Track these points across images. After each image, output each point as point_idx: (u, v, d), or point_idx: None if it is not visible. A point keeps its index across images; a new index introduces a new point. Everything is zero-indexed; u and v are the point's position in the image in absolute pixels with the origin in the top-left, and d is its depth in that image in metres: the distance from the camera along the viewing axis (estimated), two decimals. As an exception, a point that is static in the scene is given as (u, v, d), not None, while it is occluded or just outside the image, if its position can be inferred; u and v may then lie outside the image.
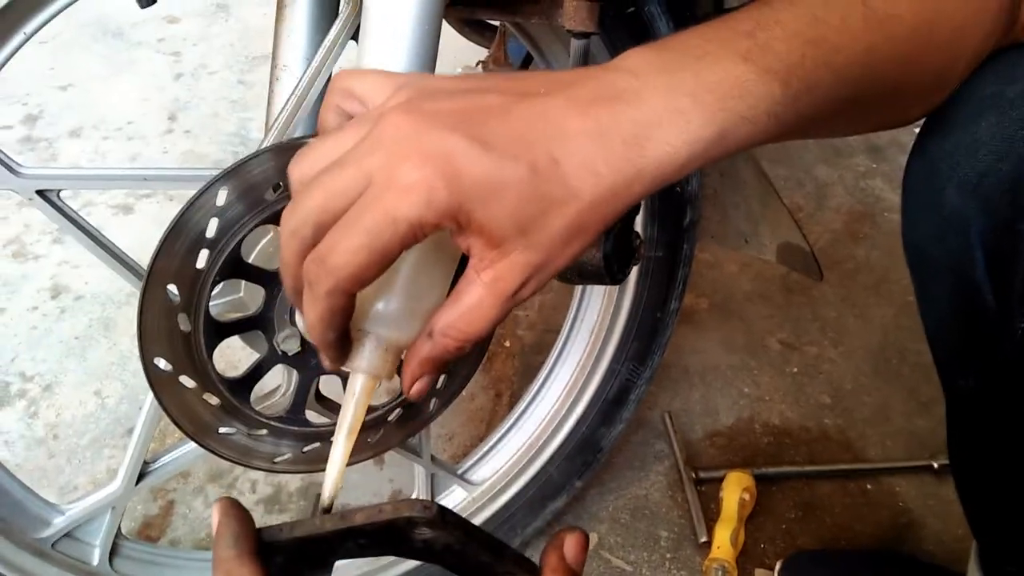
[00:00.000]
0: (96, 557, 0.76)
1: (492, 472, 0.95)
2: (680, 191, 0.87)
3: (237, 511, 0.40)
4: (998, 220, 0.51)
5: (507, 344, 1.34)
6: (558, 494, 1.00)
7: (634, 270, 0.91)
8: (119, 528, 0.78)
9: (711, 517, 1.08)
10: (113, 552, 0.78)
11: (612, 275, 0.74)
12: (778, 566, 1.00)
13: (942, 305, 0.60)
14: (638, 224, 0.89)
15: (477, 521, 0.95)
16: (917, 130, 0.58)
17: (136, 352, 1.18)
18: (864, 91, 0.47)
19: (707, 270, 1.48)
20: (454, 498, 0.94)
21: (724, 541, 1.02)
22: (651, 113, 0.41)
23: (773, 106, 0.43)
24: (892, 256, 1.53)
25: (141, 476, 0.77)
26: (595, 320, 0.95)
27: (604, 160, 0.41)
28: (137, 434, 0.75)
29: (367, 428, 0.79)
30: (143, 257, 0.71)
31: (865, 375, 1.32)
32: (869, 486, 1.14)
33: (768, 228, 0.94)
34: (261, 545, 0.38)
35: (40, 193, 0.64)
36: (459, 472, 0.95)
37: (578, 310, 0.96)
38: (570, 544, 0.42)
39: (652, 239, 0.90)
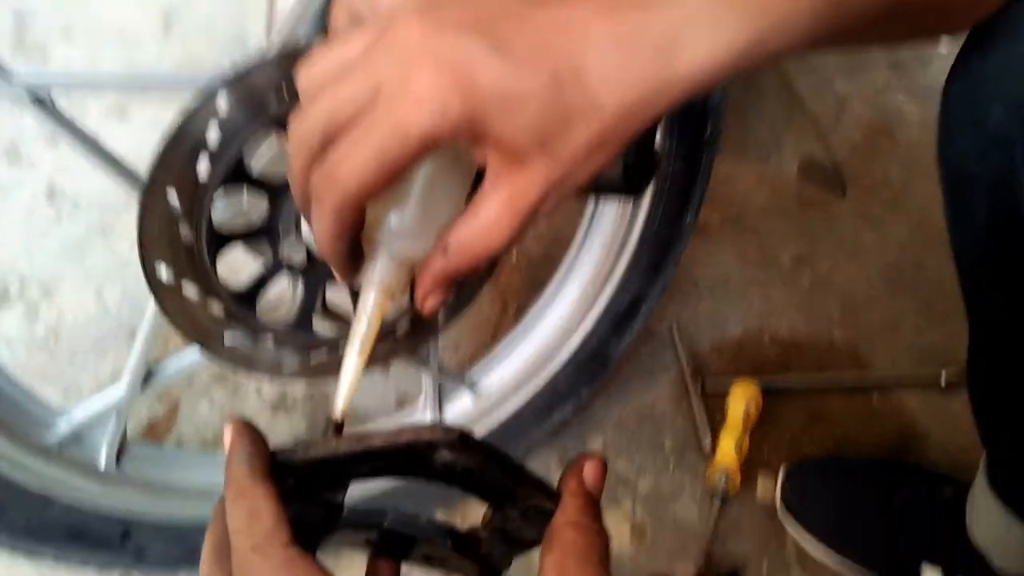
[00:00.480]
0: (103, 459, 0.76)
1: (499, 381, 0.95)
2: (702, 101, 0.83)
3: (250, 432, 0.38)
4: None
5: (514, 256, 1.32)
6: (565, 403, 1.00)
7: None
8: (125, 430, 0.77)
9: (716, 426, 1.08)
10: (120, 454, 0.77)
11: (631, 189, 0.71)
12: (782, 473, 1.01)
13: (977, 224, 0.58)
14: (657, 135, 0.85)
15: (483, 428, 0.95)
16: (942, 48, 0.54)
17: (136, 257, 1.16)
18: None
19: (722, 184, 1.44)
20: (461, 406, 0.94)
21: (728, 449, 1.02)
22: (683, 18, 0.37)
23: (813, 11, 0.39)
24: (911, 171, 1.49)
25: (145, 380, 0.76)
26: (608, 232, 0.92)
27: (631, 69, 0.38)
28: (140, 339, 0.74)
29: (375, 340, 0.77)
30: (140, 163, 0.68)
31: (878, 289, 1.30)
32: (876, 398, 1.14)
33: (791, 141, 0.90)
34: (274, 466, 0.37)
35: (33, 97, 0.60)
36: (466, 380, 0.94)
37: (591, 222, 0.93)
38: (589, 469, 0.41)
39: (671, 151, 0.86)
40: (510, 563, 0.45)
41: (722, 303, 1.26)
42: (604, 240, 0.93)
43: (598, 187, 0.73)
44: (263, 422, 1.09)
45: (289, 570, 0.33)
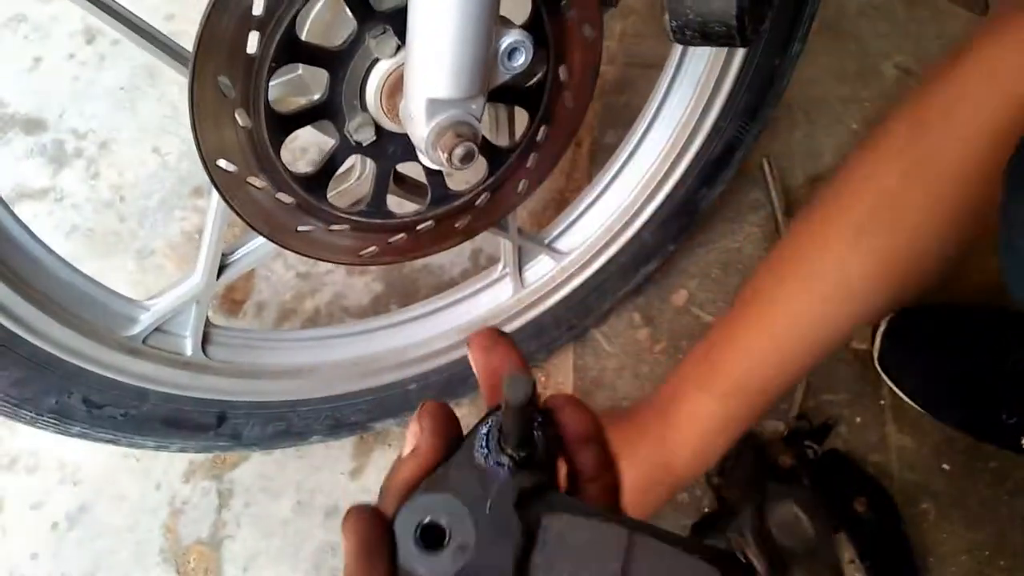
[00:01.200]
0: (189, 347, 0.75)
1: (581, 241, 0.89)
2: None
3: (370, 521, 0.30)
4: None
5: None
6: (651, 258, 0.95)
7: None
8: (207, 318, 0.75)
9: (810, 271, 1.02)
10: (205, 340, 0.76)
11: (744, 36, 0.61)
12: (882, 325, 0.95)
13: None
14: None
15: (566, 290, 0.91)
16: None
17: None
18: None
19: (816, -21, 1.27)
20: (541, 268, 0.90)
21: (824, 299, 0.97)
22: None
23: None
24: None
25: (220, 270, 0.73)
26: (701, 71, 0.81)
27: None
28: (209, 226, 0.70)
29: (454, 214, 0.72)
30: (173, 32, 0.61)
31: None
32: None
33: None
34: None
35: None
36: (546, 242, 0.89)
37: (681, 59, 0.82)
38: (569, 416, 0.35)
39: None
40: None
41: (817, 128, 1.15)
42: (696, 79, 0.82)
43: (704, 34, 0.62)
44: (338, 278, 1.06)
45: None
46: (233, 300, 1.04)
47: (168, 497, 0.94)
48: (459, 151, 0.57)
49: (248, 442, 0.84)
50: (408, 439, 0.33)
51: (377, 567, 0.29)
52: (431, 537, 0.29)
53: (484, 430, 0.31)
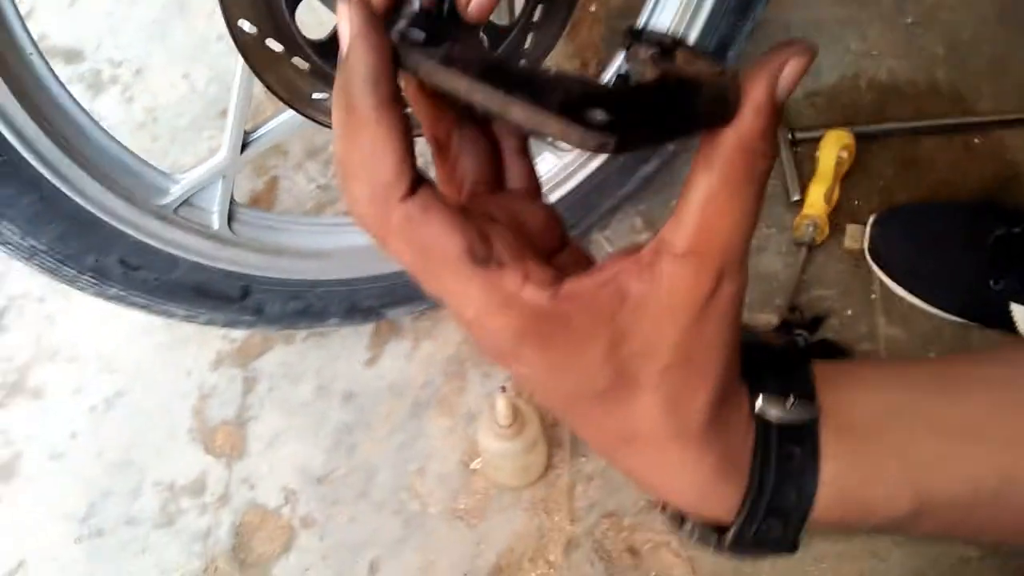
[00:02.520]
0: (216, 221, 0.82)
1: (583, 136, 0.94)
2: None
3: (376, 29, 0.29)
4: None
5: (592, 8, 1.26)
6: (649, 159, 1.00)
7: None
8: (232, 196, 0.82)
9: (805, 176, 1.06)
10: (231, 218, 0.83)
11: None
12: (871, 220, 1.00)
13: None
14: None
15: (568, 186, 0.96)
16: None
17: (215, 33, 1.16)
18: None
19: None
20: (545, 165, 0.95)
21: (817, 198, 1.01)
22: None
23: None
24: None
25: (244, 147, 0.79)
26: (693, -33, 0.86)
27: None
28: (233, 104, 0.76)
29: (515, 46, 0.76)
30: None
31: (987, 23, 1.20)
32: (976, 140, 1.09)
33: None
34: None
35: None
36: (547, 139, 0.94)
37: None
38: (789, 74, 0.29)
39: None
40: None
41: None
42: (689, -22, 0.87)
43: None
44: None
45: (403, 233, 0.29)
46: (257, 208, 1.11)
47: (198, 383, 1.01)
48: None
49: (270, 318, 0.90)
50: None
51: (383, 36, 0.29)
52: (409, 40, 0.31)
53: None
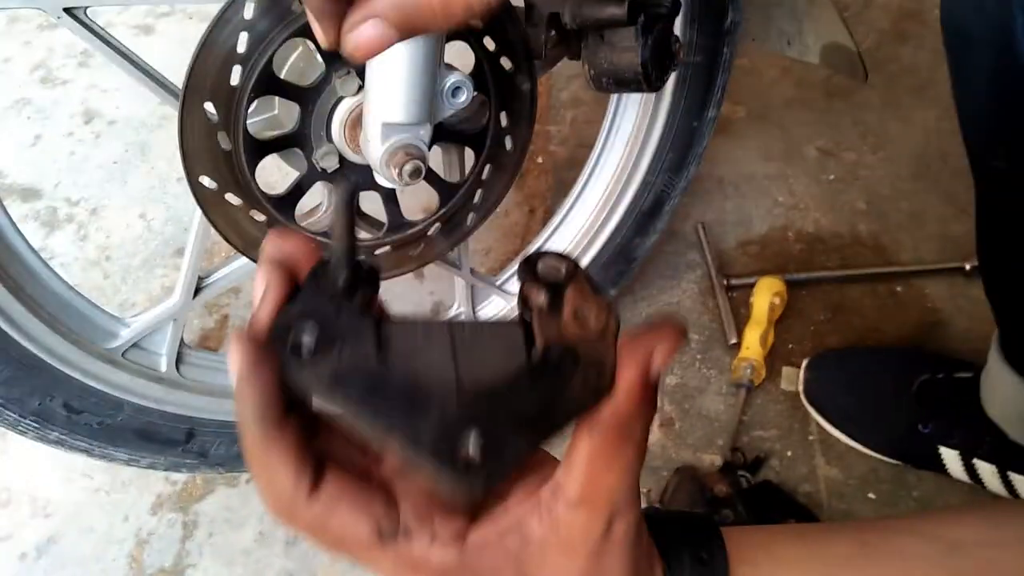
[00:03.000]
0: (164, 364, 0.82)
1: (529, 282, 0.98)
2: (721, -10, 0.83)
3: (261, 363, 0.32)
4: None
5: (540, 160, 1.34)
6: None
7: (671, 77, 0.89)
8: (182, 338, 0.83)
9: (741, 321, 1.11)
10: (179, 360, 0.83)
11: (650, 82, 0.73)
12: (804, 364, 1.04)
13: (978, 81, 0.59)
14: (677, 27, 0.86)
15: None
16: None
17: (176, 175, 1.20)
18: None
19: (745, 76, 1.44)
20: (494, 307, 0.98)
21: (753, 342, 1.06)
22: None
23: None
24: (939, 56, 1.43)
25: (197, 291, 0.81)
26: (630, 131, 0.94)
27: None
28: (189, 250, 0.78)
29: (409, 243, 0.81)
30: (170, 78, 0.71)
31: (903, 180, 1.30)
32: (899, 288, 1.17)
33: (813, 28, 0.90)
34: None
35: (68, 11, 0.63)
36: (498, 283, 0.98)
37: (613, 121, 0.95)
38: (660, 355, 0.33)
39: (691, 43, 0.87)
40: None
41: (747, 200, 1.28)
42: (626, 138, 0.94)
43: (617, 81, 0.74)
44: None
45: (315, 529, 0.33)
46: (207, 347, 1.11)
47: (135, 528, 0.98)
48: (408, 168, 0.67)
49: (214, 461, 0.89)
50: (257, 285, 0.35)
51: (267, 373, 0.32)
52: (299, 351, 0.33)
53: (318, 268, 0.36)
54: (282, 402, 0.32)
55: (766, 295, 1.09)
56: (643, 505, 0.91)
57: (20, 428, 0.76)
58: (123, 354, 0.79)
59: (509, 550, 0.33)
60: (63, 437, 0.78)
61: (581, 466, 0.33)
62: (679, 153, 0.96)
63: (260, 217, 0.73)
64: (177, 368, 0.83)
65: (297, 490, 0.32)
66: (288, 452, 0.32)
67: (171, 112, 0.66)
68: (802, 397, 1.03)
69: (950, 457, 0.94)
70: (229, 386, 0.88)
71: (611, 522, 0.33)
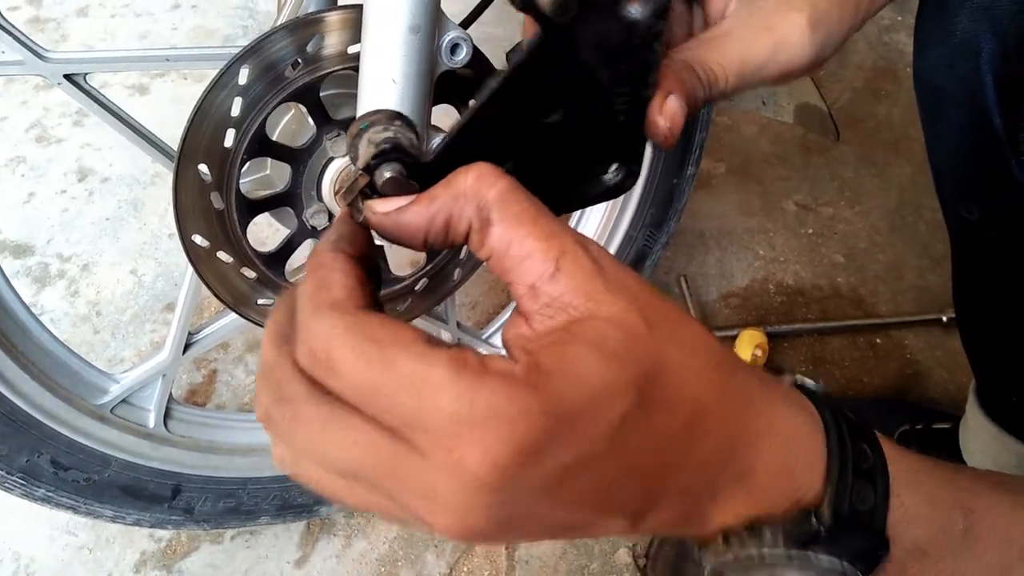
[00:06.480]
0: (152, 420, 0.82)
1: (515, 336, 1.00)
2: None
3: (351, 222, 0.38)
4: (1008, 43, 0.52)
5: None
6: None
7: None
8: (170, 394, 0.84)
9: (725, 373, 1.13)
10: (167, 416, 0.84)
11: (619, 193, 0.75)
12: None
13: (950, 138, 0.62)
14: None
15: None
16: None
17: (167, 231, 1.22)
18: None
19: (725, 133, 1.48)
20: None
21: (737, 394, 1.07)
22: None
23: None
24: (913, 112, 1.49)
25: (187, 346, 0.82)
26: (612, 187, 0.96)
27: None
28: (180, 307, 0.80)
29: (396, 297, 0.83)
30: (165, 137, 0.74)
31: (880, 233, 1.33)
32: (878, 340, 1.19)
33: (786, 89, 0.94)
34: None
35: (67, 77, 0.65)
36: (483, 336, 0.99)
37: (595, 178, 0.97)
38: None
39: (668, 104, 0.90)
40: None
41: (728, 253, 1.30)
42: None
43: (585, 201, 0.75)
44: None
45: (352, 331, 0.30)
46: (195, 402, 1.12)
47: (117, 586, 0.97)
48: (395, 226, 0.69)
49: (200, 518, 0.89)
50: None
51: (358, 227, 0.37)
52: None
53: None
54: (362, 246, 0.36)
55: (748, 347, 1.11)
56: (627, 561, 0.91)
57: (7, 485, 0.76)
58: (112, 410, 0.80)
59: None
60: (50, 494, 0.78)
61: (521, 246, 0.33)
62: (660, 209, 0.98)
63: (251, 274, 0.74)
64: (165, 424, 0.84)
65: (349, 294, 0.32)
66: (350, 269, 0.34)
67: (163, 170, 0.68)
68: (785, 448, 1.04)
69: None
70: (216, 441, 0.88)
71: (588, 250, 0.32)
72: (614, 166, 0.46)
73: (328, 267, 0.34)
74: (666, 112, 0.41)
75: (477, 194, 0.34)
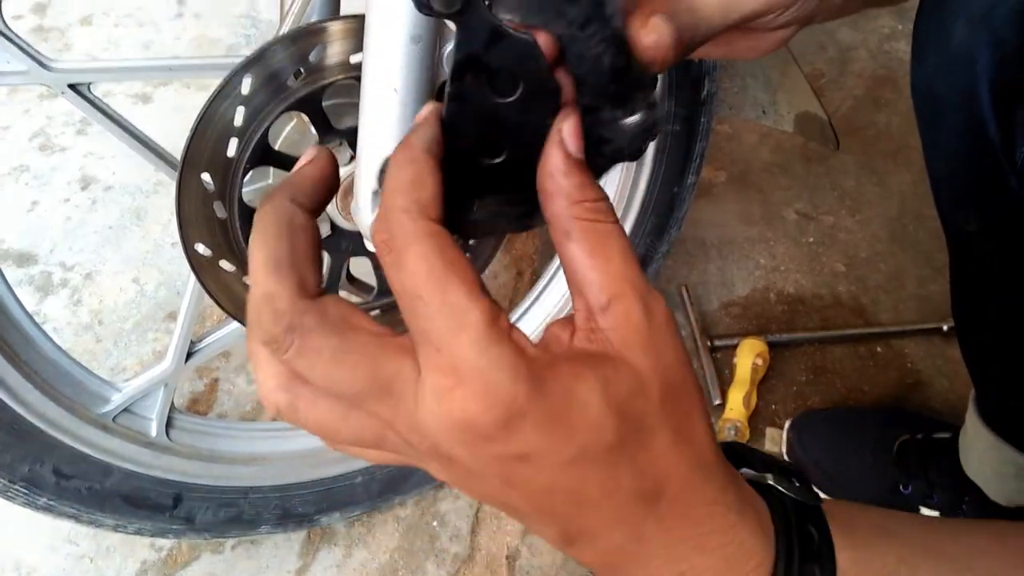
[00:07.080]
0: (154, 429, 0.83)
1: (516, 344, 1.00)
2: (698, 63, 0.87)
3: (438, 125, 0.35)
4: (1004, 52, 0.52)
5: (527, 222, 1.37)
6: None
7: (651, 145, 0.92)
8: (172, 403, 0.84)
9: (725, 382, 1.13)
10: (169, 425, 0.84)
11: (631, 155, 0.76)
12: (787, 424, 1.06)
13: (947, 146, 0.62)
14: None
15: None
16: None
17: (169, 240, 1.22)
18: None
19: (725, 142, 1.48)
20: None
21: (737, 403, 1.07)
22: None
23: None
24: (913, 121, 1.50)
25: (189, 355, 0.82)
26: (612, 197, 0.97)
27: None
28: (182, 316, 0.80)
29: (392, 308, 0.83)
30: (168, 146, 0.74)
31: (881, 242, 1.33)
32: (879, 349, 1.19)
33: (786, 98, 0.94)
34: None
35: (71, 87, 0.66)
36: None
37: (596, 187, 0.97)
38: (567, 128, 0.36)
39: (669, 113, 0.91)
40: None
41: (729, 263, 1.31)
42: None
43: (616, 156, 0.77)
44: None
45: (432, 241, 0.31)
46: (196, 411, 1.12)
47: (119, 596, 0.97)
48: (397, 235, 0.69)
49: (201, 527, 0.89)
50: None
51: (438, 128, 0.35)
52: None
53: None
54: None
55: (748, 356, 1.11)
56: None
57: (9, 494, 0.76)
58: (114, 419, 0.80)
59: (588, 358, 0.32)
60: (52, 503, 0.78)
61: (586, 272, 0.33)
62: (661, 218, 0.99)
63: (252, 283, 0.74)
64: (167, 433, 0.84)
65: (435, 199, 0.32)
66: (438, 177, 0.33)
67: (166, 179, 0.68)
68: (785, 458, 1.04)
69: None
70: (217, 450, 0.89)
71: (647, 305, 0.33)
72: (629, 111, 0.43)
73: (423, 165, 0.33)
74: (651, 26, 0.37)
75: (570, 198, 0.36)
